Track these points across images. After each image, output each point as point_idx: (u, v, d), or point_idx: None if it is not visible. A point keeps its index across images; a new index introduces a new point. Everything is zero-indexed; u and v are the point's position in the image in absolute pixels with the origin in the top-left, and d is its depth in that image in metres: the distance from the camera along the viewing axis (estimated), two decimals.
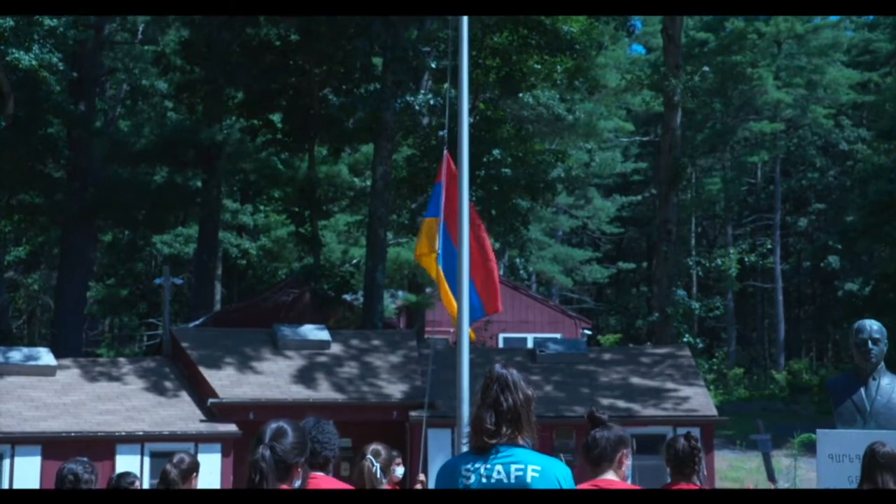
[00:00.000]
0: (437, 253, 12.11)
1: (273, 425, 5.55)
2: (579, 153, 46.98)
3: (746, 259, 55.43)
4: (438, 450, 22.25)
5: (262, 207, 46.86)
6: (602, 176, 53.22)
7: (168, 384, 24.68)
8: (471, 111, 23.71)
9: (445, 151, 12.31)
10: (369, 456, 7.87)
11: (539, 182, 32.63)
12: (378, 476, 7.89)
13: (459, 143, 11.84)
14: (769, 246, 57.01)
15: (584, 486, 6.32)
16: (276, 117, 33.25)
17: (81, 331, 35.41)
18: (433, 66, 30.52)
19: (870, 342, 10.91)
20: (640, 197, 58.22)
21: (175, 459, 8.88)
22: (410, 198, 33.52)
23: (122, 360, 27.59)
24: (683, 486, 7.74)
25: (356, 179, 40.09)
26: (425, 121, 31.73)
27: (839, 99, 54.16)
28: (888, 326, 11.28)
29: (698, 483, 7.73)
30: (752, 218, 60.90)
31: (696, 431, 8.24)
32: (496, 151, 31.04)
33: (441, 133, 23.36)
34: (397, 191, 32.71)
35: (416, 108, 29.46)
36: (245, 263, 46.96)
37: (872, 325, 11.01)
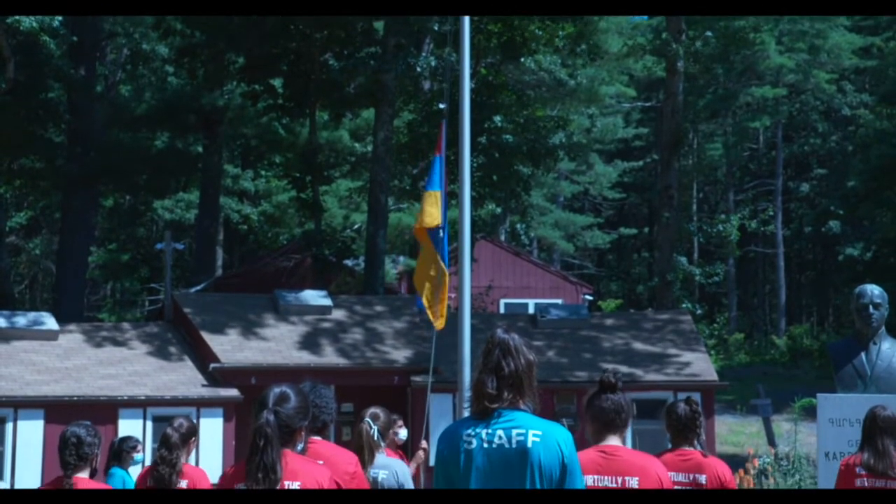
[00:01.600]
0: (440, 226, 12.08)
1: (276, 390, 5.58)
2: (581, 119, 46.86)
3: (747, 225, 55.48)
4: (440, 415, 22.32)
5: (263, 173, 46.82)
6: (604, 141, 53.11)
7: (170, 349, 24.74)
8: (472, 76, 23.64)
9: (444, 123, 12.29)
10: (367, 419, 7.90)
11: (540, 148, 32.57)
12: (376, 439, 7.92)
13: (461, 110, 11.82)
14: (771, 213, 57.00)
15: (590, 450, 6.34)
16: (277, 82, 33.15)
17: (83, 295, 35.47)
18: (435, 28, 30.41)
19: (871, 307, 10.93)
20: (641, 162, 58.14)
21: (175, 424, 8.93)
22: (411, 163, 33.47)
23: (124, 324, 27.64)
24: (684, 450, 7.76)
25: (357, 145, 40.04)
26: (426, 85, 31.65)
27: (842, 64, 53.97)
28: (889, 291, 11.29)
29: (698, 448, 7.75)
30: (753, 183, 60.84)
31: (696, 396, 8.27)
32: (497, 118, 30.97)
33: (442, 106, 23.28)
34: (398, 156, 32.67)
35: (418, 69, 29.37)
36: (246, 229, 46.95)
37: (873, 290, 11.02)
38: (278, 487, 5.40)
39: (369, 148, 34.92)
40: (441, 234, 12.02)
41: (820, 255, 63.61)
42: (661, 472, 6.33)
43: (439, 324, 12.11)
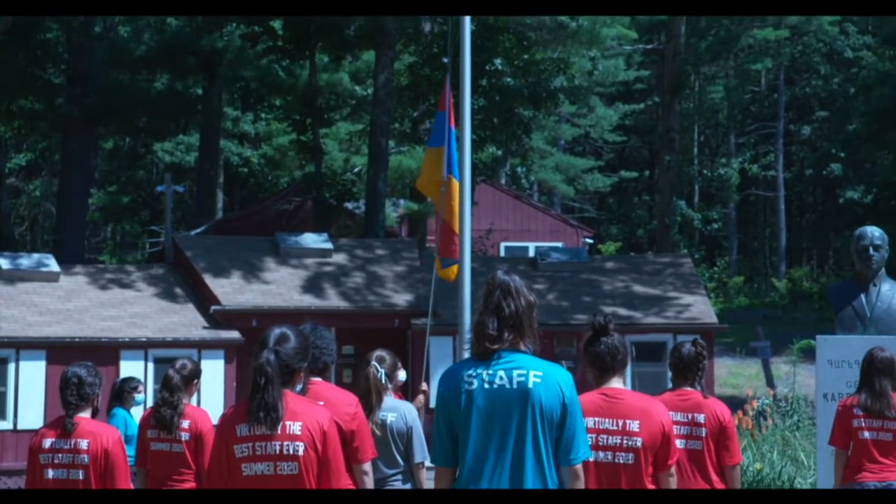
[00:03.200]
0: (442, 181, 11.99)
1: (276, 331, 5.59)
2: (582, 61, 46.59)
3: (748, 168, 55.37)
4: (440, 358, 22.40)
5: (263, 115, 46.65)
6: (605, 84, 52.83)
7: (171, 291, 24.78)
8: (472, 19, 23.48)
9: (447, 78, 12.19)
10: (374, 363, 7.92)
11: (541, 91, 32.43)
12: (383, 382, 7.95)
13: (462, 52, 11.76)
14: (772, 158, 56.86)
15: (592, 393, 6.37)
16: (276, 24, 32.95)
17: (84, 238, 35.45)
18: None
19: (871, 248, 10.93)
20: (642, 105, 57.88)
21: (177, 365, 8.96)
22: (412, 106, 33.34)
23: (125, 266, 27.67)
24: (684, 390, 7.80)
25: (357, 87, 39.85)
26: (427, 27, 31.47)
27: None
28: (889, 233, 11.30)
29: (699, 388, 7.78)
30: (755, 126, 60.64)
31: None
32: (498, 61, 30.81)
33: (445, 60, 23.19)
34: (399, 99, 32.54)
35: None
36: (246, 172, 46.86)
37: (874, 232, 11.03)
38: (279, 427, 5.44)
39: (370, 90, 34.78)
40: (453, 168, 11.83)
41: (821, 197, 63.53)
42: (663, 417, 6.36)
43: (449, 273, 11.96)
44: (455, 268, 11.83)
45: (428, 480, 8.18)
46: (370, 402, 7.70)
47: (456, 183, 11.70)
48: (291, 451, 5.43)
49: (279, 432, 5.43)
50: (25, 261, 24.70)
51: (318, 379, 7.07)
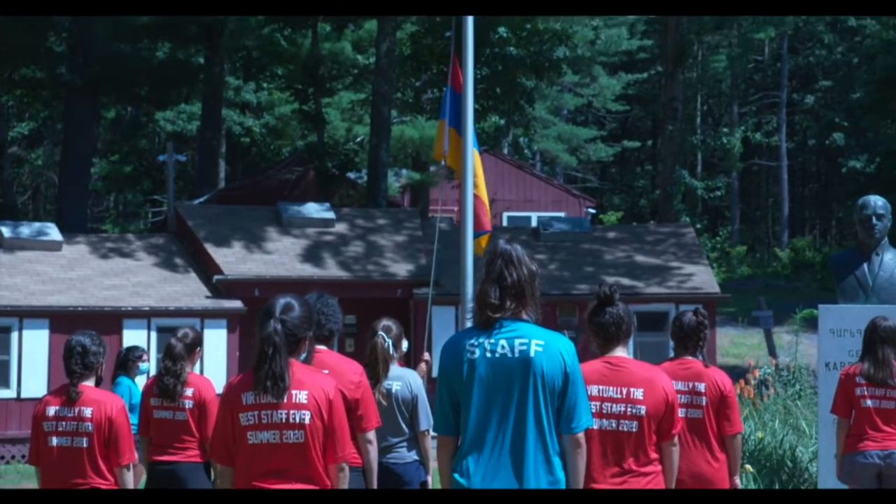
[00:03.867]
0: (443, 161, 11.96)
1: (281, 300, 5.61)
2: (585, 30, 46.46)
3: (751, 138, 55.25)
4: (442, 327, 22.43)
5: (265, 85, 46.52)
6: (607, 53, 52.69)
7: (174, 260, 24.81)
8: None
9: (453, 54, 12.14)
10: (381, 332, 7.94)
11: (544, 61, 32.34)
12: (390, 351, 7.98)
13: (465, 20, 11.72)
14: (775, 125, 56.74)
15: (596, 361, 6.38)
16: None
17: (86, 207, 35.42)
18: None
19: (874, 218, 10.93)
20: (645, 75, 57.72)
21: (180, 334, 8.99)
22: (414, 76, 33.27)
23: (128, 236, 27.68)
24: (685, 359, 7.81)
25: (360, 56, 39.73)
26: None
27: None
28: (892, 203, 11.29)
29: (700, 358, 7.80)
30: (758, 96, 60.50)
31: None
32: (501, 29, 30.72)
33: (449, 34, 23.09)
34: (401, 68, 32.47)
35: None
36: (249, 141, 46.78)
37: (877, 201, 11.02)
38: (285, 396, 5.46)
39: (372, 60, 34.68)
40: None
41: (823, 167, 63.46)
42: (667, 386, 6.38)
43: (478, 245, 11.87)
44: (484, 240, 11.84)
45: (433, 448, 8.23)
46: (377, 371, 7.73)
47: (478, 155, 11.73)
48: (297, 420, 5.46)
49: (285, 401, 5.46)
50: (28, 230, 24.72)
51: (323, 347, 7.10)
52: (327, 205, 27.55)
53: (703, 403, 7.66)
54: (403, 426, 8.06)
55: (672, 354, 8.04)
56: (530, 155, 53.14)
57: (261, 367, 5.44)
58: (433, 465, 8.20)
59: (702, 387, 7.68)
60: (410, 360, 17.38)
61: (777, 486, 10.97)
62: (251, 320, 18.69)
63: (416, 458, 8.13)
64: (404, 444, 8.08)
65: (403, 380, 8.10)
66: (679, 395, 7.48)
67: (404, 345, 9.85)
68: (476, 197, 11.80)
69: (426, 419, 8.12)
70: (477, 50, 18.04)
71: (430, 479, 8.22)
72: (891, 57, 40.18)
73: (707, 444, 7.66)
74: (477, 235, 11.92)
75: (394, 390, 8.01)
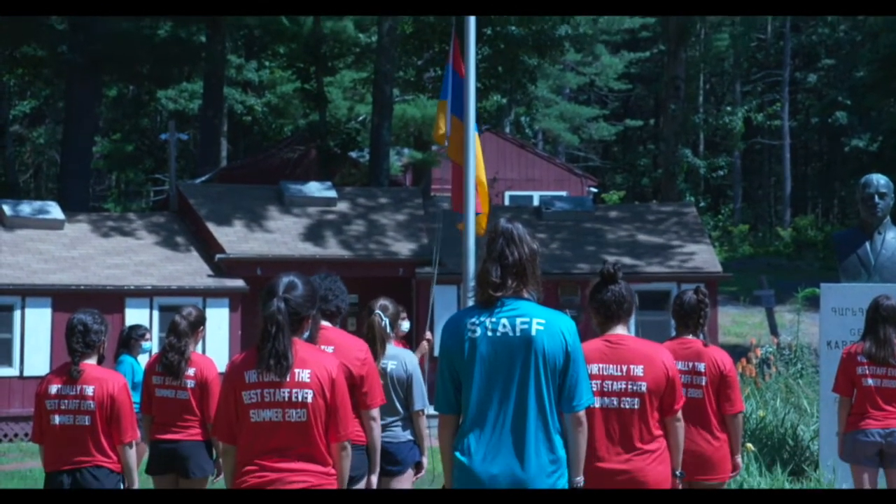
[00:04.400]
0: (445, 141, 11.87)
1: (285, 279, 5.62)
2: None
3: (753, 117, 55.15)
4: (444, 307, 22.44)
5: (267, 63, 46.44)
6: (610, 32, 52.54)
7: (176, 239, 24.81)
8: None
9: (453, 33, 12.09)
10: (378, 311, 7.95)
11: (546, 40, 32.26)
12: (387, 330, 7.98)
13: None
14: (778, 107, 56.62)
15: (596, 340, 6.39)
16: None
17: (88, 186, 35.39)
18: None
19: (876, 196, 10.94)
20: (648, 53, 57.59)
21: (184, 312, 9.00)
22: (417, 54, 33.20)
23: (129, 214, 27.67)
24: (685, 339, 7.82)
25: (362, 35, 39.65)
26: None
27: None
28: (895, 182, 11.28)
29: (700, 337, 7.80)
30: (760, 74, 60.36)
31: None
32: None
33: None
34: (403, 47, 32.40)
35: None
36: (250, 120, 46.73)
37: (879, 180, 11.02)
38: (288, 375, 5.47)
39: (374, 38, 34.61)
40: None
41: (826, 146, 63.35)
42: (667, 361, 6.39)
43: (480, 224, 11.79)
44: (483, 220, 11.79)
45: (428, 428, 8.24)
46: (374, 349, 7.74)
47: (477, 137, 11.66)
48: (300, 399, 5.47)
49: (288, 380, 5.47)
50: (29, 208, 24.72)
51: (328, 324, 7.11)
52: (329, 184, 27.54)
53: (703, 383, 7.66)
54: (398, 406, 8.06)
55: (673, 333, 8.05)
56: (532, 134, 53.05)
57: (264, 346, 5.45)
58: (427, 444, 8.22)
59: (701, 366, 7.69)
60: (412, 339, 17.40)
61: (778, 465, 10.99)
62: (253, 299, 18.72)
63: (410, 437, 8.13)
64: (399, 423, 8.08)
65: (399, 359, 8.10)
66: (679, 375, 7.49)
67: (406, 325, 9.84)
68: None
69: (421, 399, 8.12)
70: (479, 29, 18.00)
71: (424, 459, 8.22)
72: (894, 35, 40.07)
73: (707, 423, 7.66)
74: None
75: (389, 369, 8.01)
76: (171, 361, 8.74)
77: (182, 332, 8.79)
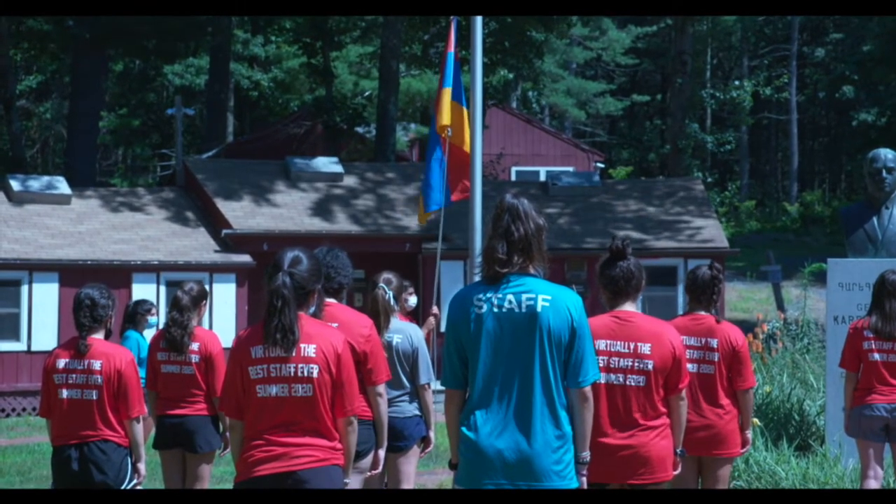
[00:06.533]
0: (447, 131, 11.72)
1: (289, 254, 5.62)
2: None
3: (761, 91, 54.97)
4: (451, 282, 22.45)
5: (273, 38, 46.36)
6: None
7: (182, 214, 24.82)
8: None
9: (453, 19, 11.99)
10: (381, 285, 7.94)
11: (553, 14, 32.12)
12: (391, 303, 7.98)
13: None
14: (786, 80, 56.43)
15: (604, 316, 6.39)
16: None
17: (95, 160, 35.41)
18: None
19: (884, 171, 10.91)
20: (655, 28, 57.37)
21: (186, 287, 9.01)
22: (423, 29, 33.12)
23: (137, 190, 27.68)
24: (697, 315, 7.79)
25: None
26: None
27: None
28: None
29: (713, 313, 7.77)
30: (768, 49, 60.14)
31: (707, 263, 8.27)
32: None
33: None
34: (409, 21, 32.31)
35: None
36: (257, 95, 46.68)
37: (887, 154, 10.99)
38: (294, 349, 5.48)
39: None
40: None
41: (833, 121, 63.18)
42: (674, 339, 6.38)
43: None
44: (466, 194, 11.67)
45: (434, 402, 8.24)
46: (378, 323, 7.73)
47: (467, 113, 11.50)
48: (306, 374, 5.48)
49: (294, 355, 5.47)
50: (37, 183, 24.73)
51: (332, 301, 7.10)
52: (335, 159, 27.51)
53: (715, 359, 7.65)
54: (404, 379, 8.05)
55: (685, 308, 8.03)
56: (539, 109, 52.94)
57: (270, 321, 5.46)
58: (434, 419, 8.22)
59: (714, 342, 7.67)
60: (419, 315, 17.40)
61: (784, 440, 10.99)
62: (260, 274, 18.72)
63: (416, 412, 8.11)
64: (405, 397, 8.07)
65: (404, 333, 8.08)
66: (691, 351, 7.49)
67: (413, 300, 9.82)
68: (462, 160, 11.58)
69: (427, 373, 8.11)
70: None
71: (431, 433, 8.22)
72: None
73: (715, 399, 7.66)
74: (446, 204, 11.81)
75: (394, 343, 8.00)
76: (174, 336, 8.74)
77: (184, 307, 8.79)
